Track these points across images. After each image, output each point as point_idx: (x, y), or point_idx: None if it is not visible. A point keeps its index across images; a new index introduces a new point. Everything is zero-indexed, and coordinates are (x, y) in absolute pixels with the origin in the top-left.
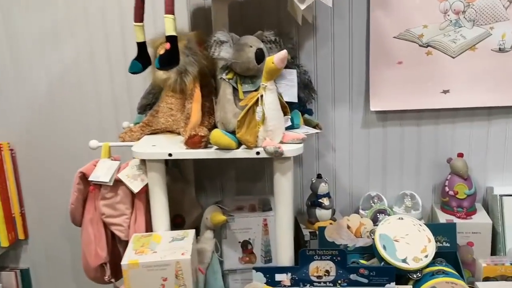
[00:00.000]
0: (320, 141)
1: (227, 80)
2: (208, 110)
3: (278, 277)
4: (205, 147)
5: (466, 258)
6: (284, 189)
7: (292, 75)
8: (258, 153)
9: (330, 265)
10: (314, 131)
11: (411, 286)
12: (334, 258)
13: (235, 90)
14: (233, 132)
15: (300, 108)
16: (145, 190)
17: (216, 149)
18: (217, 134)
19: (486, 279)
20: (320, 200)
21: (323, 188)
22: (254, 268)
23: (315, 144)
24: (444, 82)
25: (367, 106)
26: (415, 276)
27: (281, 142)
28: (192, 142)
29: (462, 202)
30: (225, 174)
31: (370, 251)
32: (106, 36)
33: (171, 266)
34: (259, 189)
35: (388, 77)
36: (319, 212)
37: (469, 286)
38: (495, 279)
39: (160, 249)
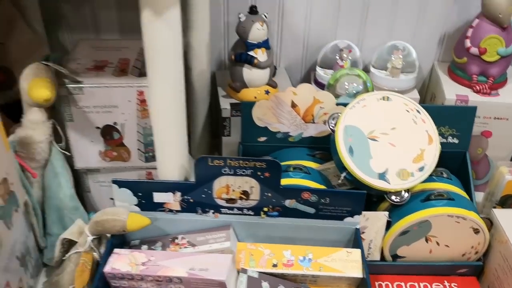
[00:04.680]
0: None
1: None
2: None
3: (159, 197)
4: None
5: (473, 153)
6: (162, 44)
7: None
8: None
9: (250, 184)
10: None
11: (386, 213)
12: (259, 173)
13: None
14: None
15: None
16: None
17: None
18: None
19: (506, 198)
20: (251, 53)
21: (257, 32)
22: (114, 182)
23: None
24: None
25: None
26: (395, 200)
27: None
28: None
29: (490, 67)
30: None
31: (327, 144)
32: None
33: None
34: None
35: None
36: (248, 73)
37: (483, 219)
38: None
39: None
